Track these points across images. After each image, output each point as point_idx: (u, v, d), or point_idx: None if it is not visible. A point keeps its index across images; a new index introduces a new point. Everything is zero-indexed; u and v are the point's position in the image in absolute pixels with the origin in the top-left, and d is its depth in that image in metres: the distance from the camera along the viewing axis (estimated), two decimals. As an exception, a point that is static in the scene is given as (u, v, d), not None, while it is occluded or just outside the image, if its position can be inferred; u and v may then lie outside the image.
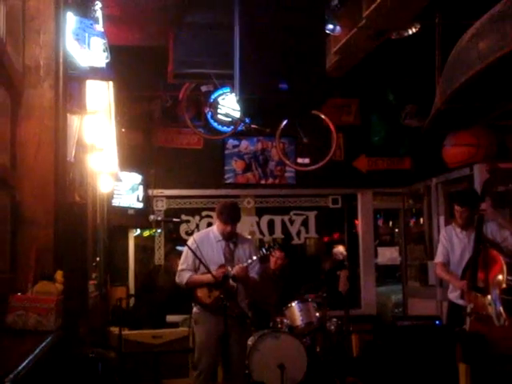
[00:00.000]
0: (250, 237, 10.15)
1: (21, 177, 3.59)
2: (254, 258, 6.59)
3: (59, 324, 3.41)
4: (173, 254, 9.53)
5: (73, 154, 4.33)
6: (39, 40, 3.77)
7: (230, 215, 6.57)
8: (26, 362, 2.60)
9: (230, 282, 6.36)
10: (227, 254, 6.60)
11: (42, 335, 3.18)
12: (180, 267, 6.65)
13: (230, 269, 6.41)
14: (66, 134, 3.99)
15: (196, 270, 6.55)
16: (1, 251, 3.32)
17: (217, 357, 6.52)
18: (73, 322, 3.97)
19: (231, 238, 6.64)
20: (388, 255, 11.07)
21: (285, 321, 7.81)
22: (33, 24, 3.78)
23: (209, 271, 6.12)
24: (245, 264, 6.50)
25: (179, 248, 8.99)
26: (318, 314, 7.86)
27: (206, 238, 6.58)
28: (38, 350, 2.86)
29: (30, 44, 3.77)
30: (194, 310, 6.65)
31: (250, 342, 7.35)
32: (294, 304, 7.82)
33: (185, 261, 6.63)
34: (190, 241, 6.50)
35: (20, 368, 2.40)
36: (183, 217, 9.79)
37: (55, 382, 3.12)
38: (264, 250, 6.86)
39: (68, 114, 4.14)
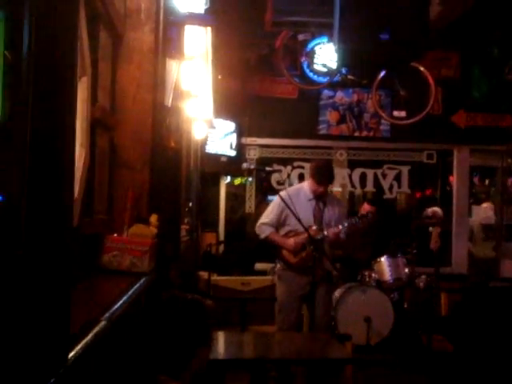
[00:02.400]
0: (340, 189, 10.09)
1: (119, 120, 3.63)
2: (345, 224, 6.42)
3: (152, 266, 3.48)
4: (264, 203, 9.57)
5: (170, 100, 4.34)
6: (140, -16, 3.77)
7: (325, 176, 6.42)
8: (121, 302, 2.65)
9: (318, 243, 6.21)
10: (317, 214, 6.45)
11: (135, 276, 3.25)
12: (262, 219, 6.50)
13: (317, 230, 6.26)
14: (164, 79, 4.00)
15: (280, 226, 6.44)
16: (99, 193, 3.38)
17: (298, 315, 6.49)
18: (165, 265, 4.04)
19: (322, 197, 6.50)
20: (483, 214, 10.79)
21: (373, 275, 7.75)
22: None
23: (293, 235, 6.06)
24: (335, 229, 6.35)
25: (270, 198, 8.99)
26: (407, 270, 7.76)
27: (296, 195, 6.37)
28: (132, 291, 2.92)
29: (131, -13, 3.78)
30: (278, 265, 6.55)
31: (337, 294, 7.34)
32: (383, 259, 7.75)
33: (269, 214, 6.47)
34: (282, 195, 6.29)
35: (115, 308, 2.45)
36: (275, 166, 9.77)
37: (148, 322, 3.19)
38: (356, 219, 6.61)
39: (167, 59, 4.14)
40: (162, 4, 3.88)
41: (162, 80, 3.91)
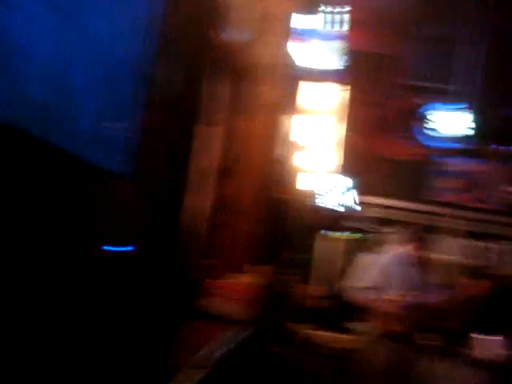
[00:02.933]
0: (445, 257, 9.83)
1: (238, 170, 3.72)
2: (443, 287, 6.25)
3: (251, 315, 3.51)
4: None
5: (286, 153, 4.42)
6: (269, 40, 3.87)
7: (429, 241, 6.32)
8: (217, 349, 2.70)
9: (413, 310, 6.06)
10: (413, 279, 6.29)
11: (232, 323, 3.29)
12: (355, 282, 6.36)
13: (415, 295, 6.10)
14: (283, 133, 4.08)
15: (377, 288, 6.28)
16: (207, 238, 3.45)
17: (393, 381, 6.32)
18: (264, 314, 4.06)
19: (423, 262, 6.34)
20: None
21: (472, 352, 7.47)
22: (267, 25, 3.89)
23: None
24: (433, 294, 6.19)
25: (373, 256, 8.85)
26: (504, 352, 7.43)
27: (396, 259, 6.23)
28: (226, 338, 2.97)
29: (260, 44, 3.88)
30: (369, 328, 6.40)
31: (436, 369, 7.10)
32: (482, 336, 7.46)
33: (363, 277, 6.33)
34: (378, 257, 6.17)
35: (212, 354, 2.50)
36: (383, 227, 9.65)
37: (239, 369, 3.22)
38: (451, 287, 6.42)
39: (282, 114, 4.23)
40: (289, 60, 3.97)
41: (281, 133, 3.99)
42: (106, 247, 1.30)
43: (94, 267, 1.30)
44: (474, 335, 7.35)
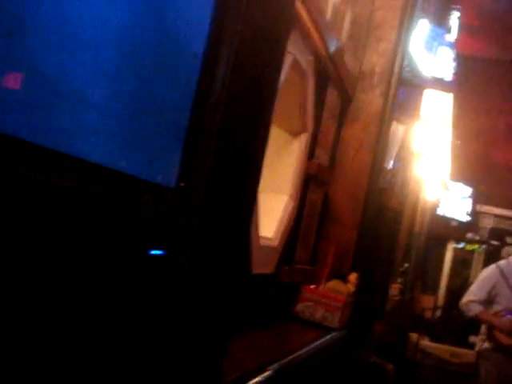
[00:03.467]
0: None
1: (336, 177, 3.75)
2: None
3: (344, 323, 3.53)
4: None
5: (393, 161, 4.39)
6: (378, 48, 3.88)
7: None
8: (299, 353, 2.74)
9: None
10: None
11: (325, 330, 3.32)
12: (469, 296, 6.17)
13: None
14: (387, 141, 4.06)
15: (489, 303, 6.08)
16: (304, 244, 3.50)
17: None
18: (361, 322, 4.05)
19: None
20: None
21: None
22: (376, 32, 3.90)
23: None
24: None
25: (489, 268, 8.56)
26: None
27: (509, 271, 6.01)
28: (314, 345, 3.00)
29: (369, 51, 3.90)
30: (486, 344, 6.20)
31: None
32: None
33: (478, 290, 6.14)
34: (493, 270, 5.97)
35: (287, 359, 2.54)
36: (508, 238, 9.34)
37: (326, 377, 3.24)
38: None
39: (394, 122, 4.20)
40: (396, 69, 3.95)
41: (385, 142, 3.97)
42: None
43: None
44: None
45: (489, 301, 6.07)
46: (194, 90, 1.41)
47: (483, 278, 6.21)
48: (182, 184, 1.38)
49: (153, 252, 1.36)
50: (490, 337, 6.10)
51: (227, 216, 1.60)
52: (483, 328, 6.23)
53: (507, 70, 7.78)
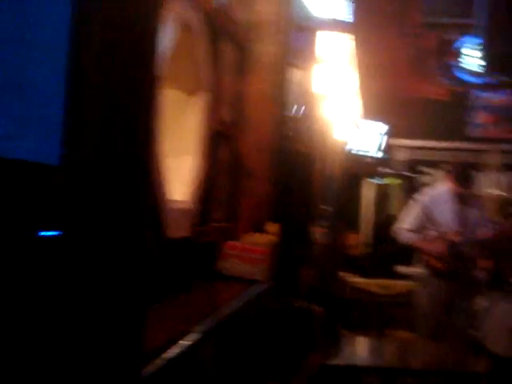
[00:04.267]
0: (491, 193, 9.70)
1: (241, 130, 3.73)
2: (492, 226, 6.21)
3: (269, 274, 3.56)
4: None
5: (298, 106, 4.40)
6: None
7: (468, 179, 6.25)
8: (227, 310, 2.76)
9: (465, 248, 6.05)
10: (457, 216, 6.25)
11: (249, 283, 3.35)
12: (402, 223, 6.39)
13: (462, 234, 6.09)
14: (288, 88, 4.06)
15: (421, 229, 6.29)
16: (219, 202, 3.50)
17: (439, 322, 6.35)
18: (287, 271, 4.10)
19: (464, 200, 6.28)
20: None
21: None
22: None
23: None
24: (484, 231, 6.17)
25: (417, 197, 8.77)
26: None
27: (437, 198, 6.21)
28: (241, 299, 3.02)
29: (260, 0, 3.86)
30: (421, 270, 6.43)
31: (480, 303, 7.09)
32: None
33: (408, 218, 6.33)
34: (421, 198, 6.21)
35: (217, 316, 2.55)
36: (423, 168, 9.59)
37: (255, 330, 3.27)
38: (502, 220, 6.37)
39: (293, 67, 4.20)
40: (288, 15, 3.93)
41: (286, 90, 3.97)
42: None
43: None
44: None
45: (419, 226, 6.26)
46: (67, 62, 1.35)
47: (413, 204, 6.41)
48: (68, 161, 1.34)
49: (47, 233, 1.32)
50: (424, 263, 6.31)
51: (122, 186, 1.56)
52: (416, 255, 6.43)
53: (403, 4, 7.86)
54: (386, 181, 10.54)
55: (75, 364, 1.45)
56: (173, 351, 1.99)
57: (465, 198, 6.24)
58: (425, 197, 6.10)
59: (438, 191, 6.38)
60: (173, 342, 2.09)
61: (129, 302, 1.63)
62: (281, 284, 3.85)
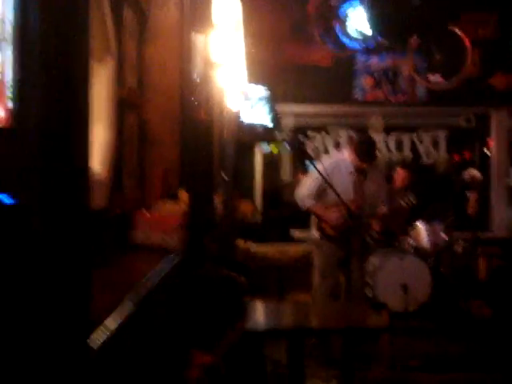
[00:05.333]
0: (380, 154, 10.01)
1: (148, 97, 3.66)
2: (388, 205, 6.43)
3: (184, 242, 3.52)
4: (300, 170, 9.52)
5: (199, 73, 4.34)
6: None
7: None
8: (149, 280, 2.70)
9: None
10: (357, 187, 6.38)
11: (166, 253, 3.30)
12: (303, 190, 6.47)
13: (358, 204, 6.25)
14: (191, 53, 4.00)
15: (320, 196, 6.41)
16: (129, 171, 3.42)
17: (336, 282, 6.52)
18: (199, 239, 4.07)
19: (363, 170, 6.42)
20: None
21: (410, 241, 7.71)
22: None
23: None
24: (380, 210, 6.40)
25: (307, 164, 8.90)
26: (444, 236, 7.71)
27: (336, 168, 6.30)
28: (160, 269, 2.97)
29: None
30: (315, 234, 6.57)
31: (373, 261, 7.33)
32: (420, 225, 7.70)
33: (310, 185, 6.44)
34: (320, 166, 6.25)
35: (141, 287, 2.50)
36: (310, 133, 9.74)
37: (179, 299, 3.24)
38: (399, 201, 6.58)
39: (194, 33, 4.13)
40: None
41: (188, 54, 3.91)
42: None
43: None
44: (416, 224, 7.61)
45: (320, 194, 6.37)
46: None
47: (313, 173, 6.48)
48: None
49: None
50: (319, 228, 6.45)
51: (64, 156, 1.50)
52: (312, 219, 6.57)
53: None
54: (273, 148, 10.64)
55: (23, 332, 1.39)
56: (112, 320, 1.94)
57: (365, 171, 6.39)
58: (325, 164, 6.13)
59: (338, 161, 6.46)
60: (108, 311, 2.03)
61: (74, 267, 1.56)
62: (191, 253, 3.82)
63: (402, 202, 6.44)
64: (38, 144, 1.40)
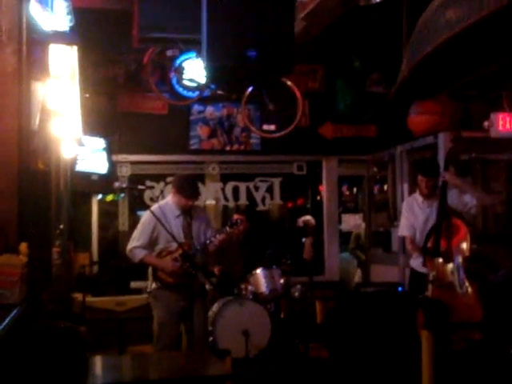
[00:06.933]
0: (213, 203, 10.13)
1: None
2: (213, 238, 6.48)
3: (23, 296, 3.37)
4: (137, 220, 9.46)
5: (37, 121, 4.23)
6: (1, 4, 3.65)
7: (193, 190, 6.48)
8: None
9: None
10: (186, 228, 6.42)
11: (6, 309, 3.14)
12: (133, 243, 6.39)
13: (190, 245, 6.29)
14: (29, 102, 3.89)
15: (152, 245, 6.39)
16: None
17: (177, 332, 6.49)
18: (37, 293, 3.92)
19: (188, 211, 6.48)
20: (352, 222, 11.15)
21: (249, 288, 7.82)
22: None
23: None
24: (219, 237, 6.44)
25: (141, 213, 8.85)
26: (282, 281, 7.89)
27: (164, 212, 6.25)
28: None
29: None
30: (153, 285, 6.47)
31: (214, 308, 7.36)
32: (258, 271, 7.84)
33: (140, 236, 6.39)
34: (150, 213, 6.20)
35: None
36: (148, 183, 9.71)
37: (20, 356, 3.08)
38: (227, 228, 6.63)
39: (32, 80, 4.03)
40: (24, 24, 3.77)
41: (27, 103, 3.80)
42: None
43: None
44: (256, 271, 7.73)
45: (151, 243, 6.32)
46: None
47: (143, 222, 6.44)
48: None
49: None
50: (156, 277, 6.38)
51: None
52: (150, 270, 6.48)
53: (118, 20, 7.91)
54: (109, 197, 10.52)
55: None
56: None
57: (189, 209, 6.44)
58: (153, 212, 6.12)
59: (164, 206, 6.46)
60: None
61: None
62: (30, 307, 3.66)
63: (228, 229, 6.52)
64: None
